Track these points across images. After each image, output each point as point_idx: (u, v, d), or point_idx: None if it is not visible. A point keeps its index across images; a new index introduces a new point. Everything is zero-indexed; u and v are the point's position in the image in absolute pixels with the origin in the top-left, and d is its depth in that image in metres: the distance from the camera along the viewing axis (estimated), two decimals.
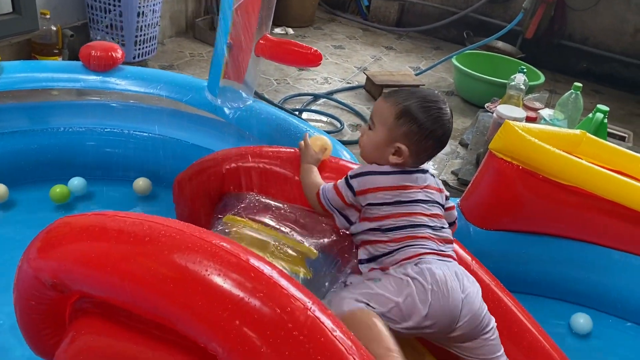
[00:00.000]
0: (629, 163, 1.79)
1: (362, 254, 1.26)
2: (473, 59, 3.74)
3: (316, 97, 3.38)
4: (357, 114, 3.26)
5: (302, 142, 1.44)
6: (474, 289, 1.19)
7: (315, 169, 1.40)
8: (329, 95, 3.44)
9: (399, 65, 4.14)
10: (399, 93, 1.27)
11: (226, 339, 0.84)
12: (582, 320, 1.71)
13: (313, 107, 3.27)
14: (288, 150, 1.49)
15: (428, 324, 1.11)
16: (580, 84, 2.59)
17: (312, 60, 1.81)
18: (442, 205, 1.30)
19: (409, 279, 1.14)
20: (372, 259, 1.24)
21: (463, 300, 1.14)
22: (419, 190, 1.25)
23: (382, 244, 1.22)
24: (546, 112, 2.74)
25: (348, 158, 1.69)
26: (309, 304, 0.85)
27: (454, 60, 3.59)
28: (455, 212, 1.37)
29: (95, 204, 1.94)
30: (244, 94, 2.08)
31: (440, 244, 1.23)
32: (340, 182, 1.28)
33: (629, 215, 1.65)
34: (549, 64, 4.38)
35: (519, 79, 2.87)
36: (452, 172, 2.62)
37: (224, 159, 1.49)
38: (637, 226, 1.67)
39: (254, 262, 0.88)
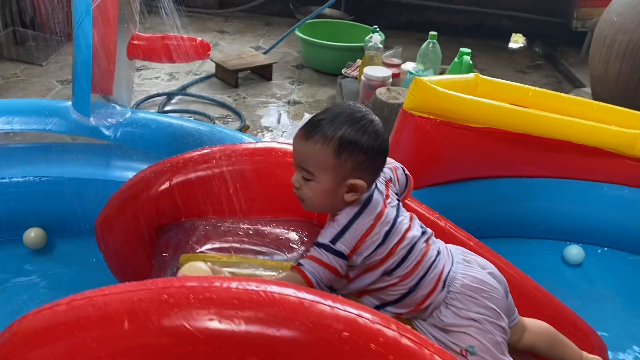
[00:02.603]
0: (524, 96, 1.90)
1: (369, 302, 1.13)
2: (313, 28, 3.72)
3: (170, 95, 3.09)
4: (221, 104, 3.06)
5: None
6: (486, 262, 1.19)
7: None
8: (182, 91, 3.17)
9: (239, 48, 3.98)
10: (320, 126, 1.05)
11: None
12: (574, 252, 1.79)
13: (171, 107, 2.99)
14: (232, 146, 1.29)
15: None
16: (435, 33, 2.70)
17: (202, 51, 1.60)
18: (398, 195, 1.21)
19: (469, 314, 1.10)
20: (388, 303, 1.12)
21: (494, 277, 1.15)
22: (386, 207, 1.12)
23: (393, 287, 1.10)
24: (409, 66, 2.83)
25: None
26: None
27: (297, 33, 3.53)
28: (402, 173, 1.29)
29: None
30: (118, 107, 1.79)
31: (433, 243, 1.16)
32: (323, 255, 1.05)
33: (550, 145, 1.77)
34: (375, 21, 4.53)
35: (376, 38, 2.91)
36: None
37: (151, 182, 1.24)
38: (551, 153, 1.80)
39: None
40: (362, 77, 2.76)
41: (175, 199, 1.24)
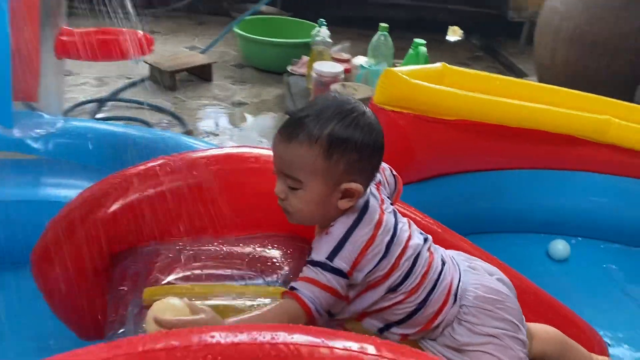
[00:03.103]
0: (491, 84, 1.81)
1: (371, 324, 0.98)
2: (251, 26, 3.52)
3: (102, 102, 2.81)
4: (160, 109, 2.82)
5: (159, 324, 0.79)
6: (492, 267, 1.08)
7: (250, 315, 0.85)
8: (114, 97, 2.89)
9: (172, 48, 3.71)
10: (303, 124, 0.88)
11: None
12: (560, 247, 1.71)
13: (104, 115, 2.72)
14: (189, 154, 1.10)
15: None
16: (386, 25, 2.60)
17: (145, 46, 1.38)
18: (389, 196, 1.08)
19: (486, 330, 0.98)
20: (393, 324, 0.98)
21: (503, 283, 1.05)
22: (384, 213, 0.96)
23: (398, 305, 0.96)
24: (361, 60, 2.70)
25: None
26: None
27: (238, 31, 3.33)
28: (390, 174, 1.15)
29: None
30: (46, 115, 1.55)
31: (435, 250, 1.02)
32: (320, 275, 0.88)
33: (525, 135, 1.69)
34: (313, 17, 4.40)
35: (324, 32, 2.77)
36: None
37: (99, 202, 1.03)
38: (526, 143, 1.72)
39: None
40: (313, 74, 2.61)
41: (131, 221, 1.03)
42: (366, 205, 0.95)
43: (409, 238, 0.98)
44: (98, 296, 1.03)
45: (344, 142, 0.89)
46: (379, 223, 0.94)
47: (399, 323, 0.98)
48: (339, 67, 2.58)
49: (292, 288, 0.88)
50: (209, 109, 2.98)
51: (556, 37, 2.85)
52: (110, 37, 1.39)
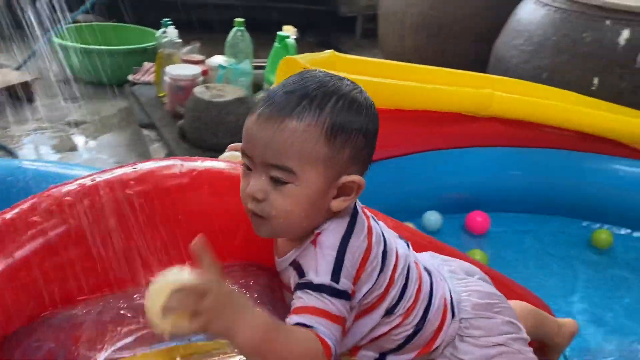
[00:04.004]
0: (379, 69, 1.73)
1: (366, 356, 0.82)
2: (77, 35, 3.05)
3: None
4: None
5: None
6: (469, 265, 0.99)
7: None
8: None
9: None
10: (295, 98, 0.69)
11: None
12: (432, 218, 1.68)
13: None
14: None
15: None
16: (242, 19, 2.41)
17: None
18: None
19: (492, 340, 0.87)
20: (389, 352, 0.82)
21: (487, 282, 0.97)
22: (368, 218, 0.80)
23: (395, 329, 0.80)
24: (218, 60, 2.46)
25: None
26: None
27: (60, 41, 2.86)
28: None
29: None
30: None
31: (415, 257, 0.87)
32: (327, 302, 0.68)
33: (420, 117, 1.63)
34: (140, 22, 4.03)
35: (172, 32, 2.48)
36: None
37: None
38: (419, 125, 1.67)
39: None
40: (166, 79, 2.31)
41: (22, 286, 0.72)
42: (356, 207, 0.77)
43: (395, 248, 0.82)
44: None
45: (350, 123, 0.71)
46: (369, 229, 0.77)
47: (395, 350, 0.82)
48: (195, 69, 2.32)
49: (302, 325, 0.66)
50: (39, 133, 2.51)
51: (402, 25, 2.91)
52: None
